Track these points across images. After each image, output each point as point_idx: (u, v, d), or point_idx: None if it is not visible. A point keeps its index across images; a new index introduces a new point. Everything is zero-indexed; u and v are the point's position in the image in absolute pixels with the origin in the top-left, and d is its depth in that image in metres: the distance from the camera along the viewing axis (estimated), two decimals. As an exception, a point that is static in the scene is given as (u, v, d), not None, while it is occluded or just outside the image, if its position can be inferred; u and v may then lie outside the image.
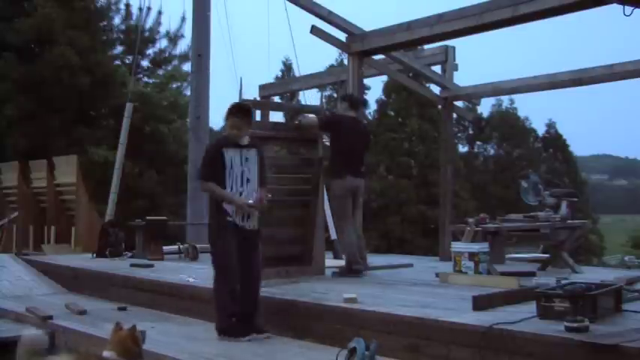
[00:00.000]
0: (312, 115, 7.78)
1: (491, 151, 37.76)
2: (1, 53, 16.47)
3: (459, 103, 11.65)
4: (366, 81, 20.96)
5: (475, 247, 7.08)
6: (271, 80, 21.63)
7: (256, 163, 5.79)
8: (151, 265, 8.85)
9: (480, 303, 5.13)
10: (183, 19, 19.71)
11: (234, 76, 30.69)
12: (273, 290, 6.34)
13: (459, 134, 35.51)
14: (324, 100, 18.50)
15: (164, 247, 10.35)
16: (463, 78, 10.98)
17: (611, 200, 75.78)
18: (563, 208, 8.05)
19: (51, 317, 6.74)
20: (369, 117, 30.73)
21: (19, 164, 13.31)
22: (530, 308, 4.83)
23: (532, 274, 6.99)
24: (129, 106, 12.75)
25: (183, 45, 20.06)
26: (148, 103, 17.04)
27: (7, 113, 16.10)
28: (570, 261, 7.76)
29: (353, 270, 7.65)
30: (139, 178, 16.96)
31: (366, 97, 29.57)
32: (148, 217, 10.10)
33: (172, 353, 5.07)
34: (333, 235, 10.80)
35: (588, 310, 4.47)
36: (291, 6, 9.19)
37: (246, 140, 5.75)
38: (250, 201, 5.61)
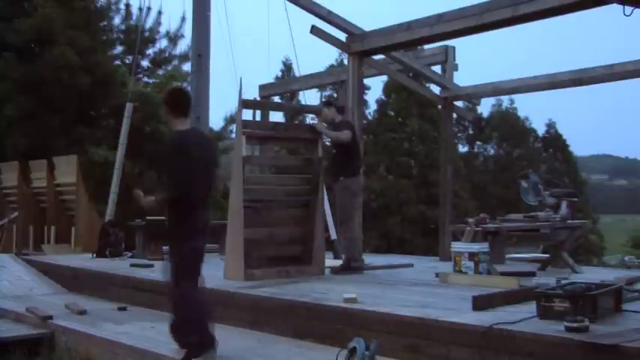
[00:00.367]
0: (337, 133, 7.87)
1: (492, 151, 37.80)
2: (1, 53, 16.44)
3: (459, 103, 11.66)
4: (366, 81, 21.04)
5: (475, 247, 7.08)
6: (271, 80, 21.64)
7: None
8: (151, 265, 8.85)
9: (480, 303, 5.13)
10: (183, 19, 19.70)
11: (234, 76, 30.70)
12: (273, 290, 6.34)
13: (459, 134, 35.55)
14: (324, 100, 18.47)
15: (164, 247, 10.33)
16: (463, 78, 11.04)
17: (611, 200, 75.83)
18: (563, 208, 8.05)
19: (51, 317, 6.74)
20: (369, 117, 30.76)
21: (19, 164, 13.31)
22: (530, 308, 4.83)
23: (532, 274, 7.00)
24: (129, 106, 12.75)
25: (183, 45, 20.05)
26: (148, 103, 16.99)
27: (7, 113, 16.07)
28: (570, 261, 7.76)
29: (352, 267, 7.72)
30: (139, 178, 16.94)
31: (365, 97, 29.74)
32: (147, 217, 10.08)
33: (172, 353, 5.06)
34: (333, 235, 10.82)
35: (588, 310, 4.48)
36: (291, 6, 9.21)
37: None
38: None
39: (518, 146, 36.80)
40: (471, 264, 6.99)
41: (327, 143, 8.20)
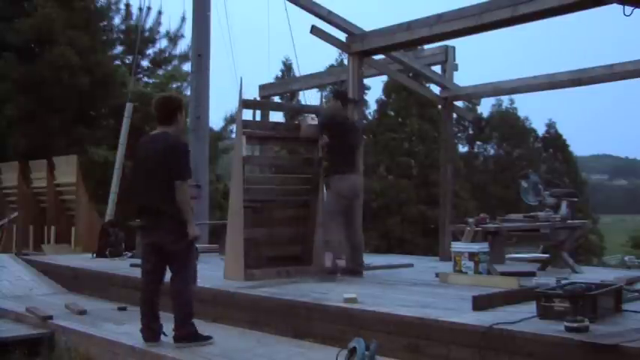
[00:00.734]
0: (310, 123, 7.73)
1: (492, 151, 37.81)
2: (1, 53, 16.45)
3: (459, 103, 11.65)
4: (366, 81, 21.03)
5: (475, 247, 7.08)
6: (271, 80, 21.63)
7: None
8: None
9: (480, 303, 5.13)
10: (183, 19, 19.71)
11: (234, 76, 30.75)
12: (273, 290, 6.34)
13: (459, 134, 35.55)
14: (324, 100, 18.47)
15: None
16: (463, 78, 11.03)
17: (611, 200, 75.89)
18: (563, 208, 8.05)
19: (51, 317, 6.74)
20: (369, 117, 30.75)
21: (19, 164, 13.31)
22: (530, 308, 4.83)
23: (532, 274, 7.00)
24: (129, 106, 12.76)
25: (183, 45, 20.07)
26: (148, 103, 16.96)
27: (7, 113, 16.08)
28: (570, 261, 7.76)
29: (331, 271, 7.39)
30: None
31: (365, 97, 29.66)
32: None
33: (172, 353, 5.07)
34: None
35: (588, 310, 4.48)
36: (291, 6, 9.19)
37: None
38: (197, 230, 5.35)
39: (518, 146, 36.81)
40: (471, 264, 6.99)
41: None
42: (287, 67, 31.79)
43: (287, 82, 19.20)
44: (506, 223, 7.89)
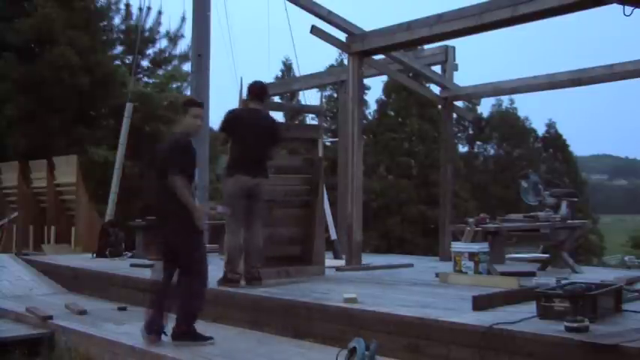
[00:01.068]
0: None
1: (492, 151, 37.84)
2: (1, 53, 16.45)
3: (459, 103, 11.64)
4: (366, 81, 21.05)
5: (475, 247, 7.08)
6: (271, 80, 21.64)
7: None
8: (151, 265, 8.84)
9: (480, 303, 5.13)
10: (183, 19, 19.70)
11: (234, 76, 30.74)
12: (273, 290, 6.35)
13: (459, 134, 35.57)
14: (324, 100, 18.49)
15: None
16: (463, 78, 11.02)
17: (611, 200, 75.93)
18: (563, 208, 8.05)
19: (51, 317, 6.74)
20: (369, 117, 30.76)
21: (19, 164, 13.31)
22: (530, 308, 4.83)
23: (532, 274, 7.00)
24: (129, 106, 12.76)
25: (183, 45, 20.06)
26: (148, 103, 16.99)
27: (7, 113, 16.08)
28: (570, 261, 7.76)
29: (228, 279, 6.71)
30: (139, 178, 16.93)
31: (365, 97, 29.40)
32: (148, 217, 10.08)
33: (172, 353, 5.07)
34: (333, 235, 10.83)
35: (588, 310, 4.48)
36: (291, 6, 9.18)
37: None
38: (219, 208, 5.37)
39: (518, 146, 36.83)
40: (471, 264, 6.99)
41: (328, 143, 8.10)
42: (287, 67, 31.84)
43: (287, 82, 19.21)
44: (506, 223, 7.89)
